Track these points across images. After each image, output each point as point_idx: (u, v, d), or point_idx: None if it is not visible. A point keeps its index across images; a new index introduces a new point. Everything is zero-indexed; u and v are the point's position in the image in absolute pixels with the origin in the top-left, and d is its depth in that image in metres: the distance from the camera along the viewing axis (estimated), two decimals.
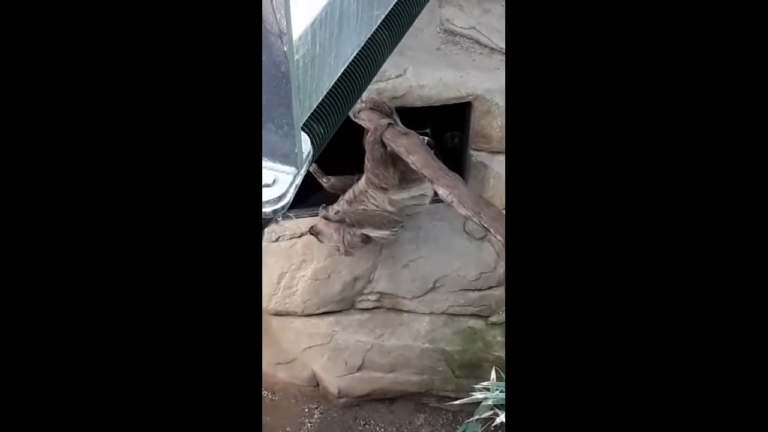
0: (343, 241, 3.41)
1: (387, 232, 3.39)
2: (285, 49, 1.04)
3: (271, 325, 3.77)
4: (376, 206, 3.33)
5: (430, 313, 3.78)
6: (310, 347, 3.82)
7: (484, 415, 3.21)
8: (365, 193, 3.30)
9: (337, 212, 3.38)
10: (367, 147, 3.11)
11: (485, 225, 2.70)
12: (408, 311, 3.78)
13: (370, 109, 3.11)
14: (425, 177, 2.91)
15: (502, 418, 3.09)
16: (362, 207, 3.33)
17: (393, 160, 3.13)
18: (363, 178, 3.27)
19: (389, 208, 3.32)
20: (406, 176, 3.22)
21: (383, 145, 3.06)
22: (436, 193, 3.26)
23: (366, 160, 3.18)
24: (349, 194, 3.35)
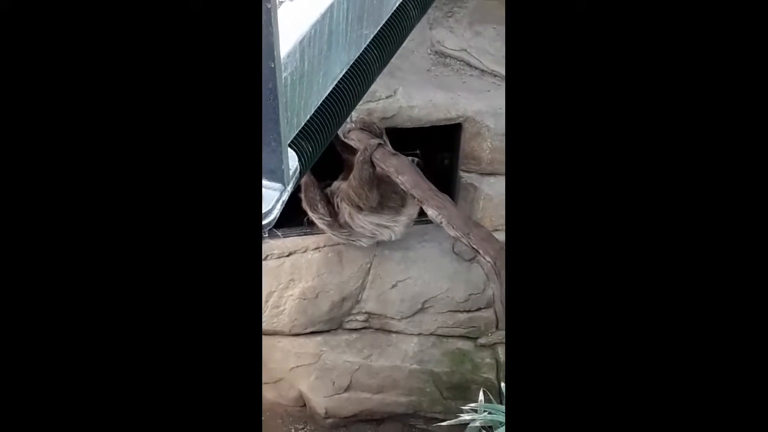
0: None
1: (316, 215, 3.35)
2: (273, 65, 1.04)
3: None
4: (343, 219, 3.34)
5: (419, 334, 3.77)
6: (297, 367, 3.80)
7: None
8: (338, 197, 3.31)
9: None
10: (356, 166, 3.12)
11: (474, 246, 2.71)
12: (396, 332, 3.77)
13: (360, 129, 3.12)
14: (414, 198, 2.92)
15: None
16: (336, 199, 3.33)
17: (378, 182, 3.15)
18: (343, 191, 3.29)
19: (351, 221, 3.33)
20: (384, 202, 3.25)
21: (372, 165, 3.07)
22: (419, 218, 3.29)
23: (351, 178, 3.19)
24: (338, 185, 3.36)
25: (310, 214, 3.37)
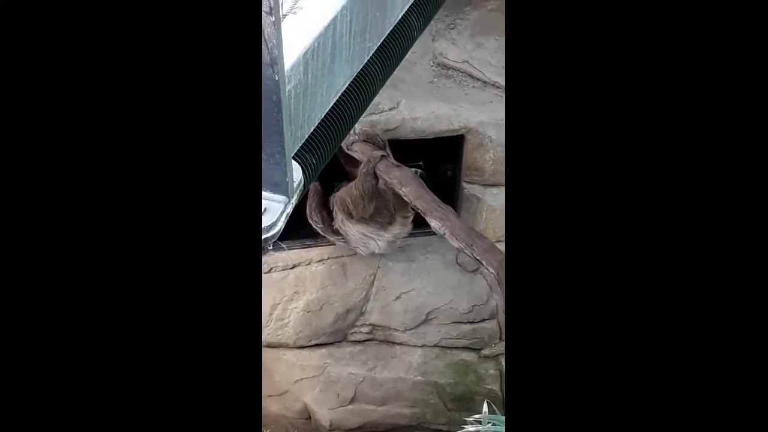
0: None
1: (313, 223, 3.40)
2: (277, 78, 1.05)
3: (262, 357, 3.75)
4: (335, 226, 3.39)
5: (423, 346, 3.76)
6: (302, 379, 3.80)
7: None
8: (336, 203, 3.34)
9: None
10: (359, 178, 3.13)
11: (477, 257, 2.70)
12: (400, 343, 3.77)
13: (363, 141, 3.14)
14: (417, 209, 2.93)
15: None
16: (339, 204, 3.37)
17: (378, 194, 3.17)
18: (338, 197, 3.31)
19: (344, 227, 3.35)
20: (374, 216, 3.29)
21: (375, 177, 3.08)
22: (424, 230, 3.30)
23: (352, 186, 3.20)
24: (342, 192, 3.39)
25: (309, 221, 3.40)
